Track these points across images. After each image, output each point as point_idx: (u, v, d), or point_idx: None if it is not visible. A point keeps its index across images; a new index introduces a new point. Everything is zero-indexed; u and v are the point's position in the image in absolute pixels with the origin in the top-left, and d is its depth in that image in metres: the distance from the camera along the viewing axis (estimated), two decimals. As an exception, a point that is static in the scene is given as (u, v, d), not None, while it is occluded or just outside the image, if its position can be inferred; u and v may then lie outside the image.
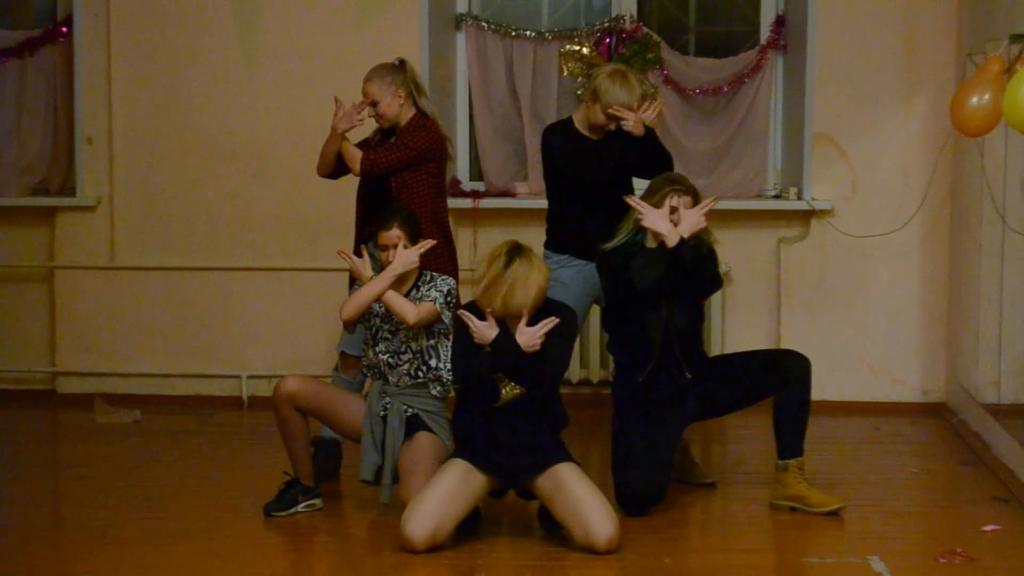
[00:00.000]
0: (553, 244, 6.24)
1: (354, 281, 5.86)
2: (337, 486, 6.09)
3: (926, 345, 7.56)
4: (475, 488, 5.33)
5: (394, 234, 5.62)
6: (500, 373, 5.31)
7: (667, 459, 5.79)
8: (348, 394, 5.82)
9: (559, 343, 5.38)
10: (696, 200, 5.73)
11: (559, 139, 6.15)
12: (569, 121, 6.19)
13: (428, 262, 5.78)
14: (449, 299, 5.63)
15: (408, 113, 6.14)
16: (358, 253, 5.78)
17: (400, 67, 6.17)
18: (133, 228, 7.79)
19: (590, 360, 7.61)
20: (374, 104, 6.10)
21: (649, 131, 6.05)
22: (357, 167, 6.07)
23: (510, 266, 5.28)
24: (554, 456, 5.35)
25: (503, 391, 5.34)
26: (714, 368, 5.88)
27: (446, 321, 5.60)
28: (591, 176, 6.08)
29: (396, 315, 5.56)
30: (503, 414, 5.34)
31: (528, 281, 5.27)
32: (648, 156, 6.08)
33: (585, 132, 6.12)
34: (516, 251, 5.32)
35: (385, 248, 5.63)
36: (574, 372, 7.57)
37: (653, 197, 5.71)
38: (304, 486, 5.75)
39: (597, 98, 5.99)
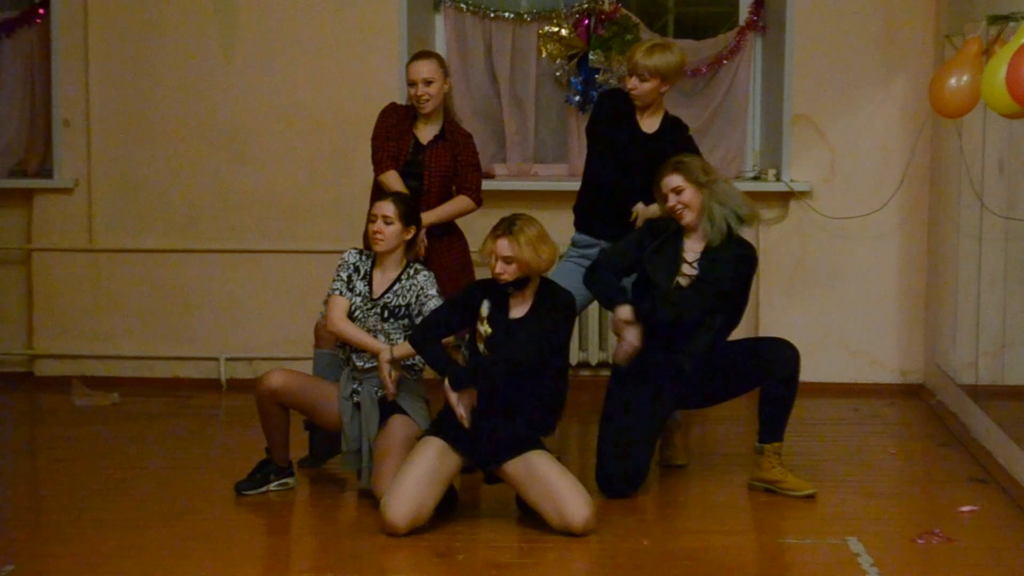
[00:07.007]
0: (578, 224, 6.17)
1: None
2: (317, 469, 6.08)
3: (904, 326, 7.58)
4: (451, 467, 5.33)
5: (388, 207, 5.62)
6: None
7: (652, 442, 5.80)
8: (331, 386, 5.78)
9: (552, 326, 5.35)
10: (691, 181, 5.64)
11: (607, 102, 6.07)
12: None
13: (452, 256, 6.13)
14: (432, 284, 5.67)
15: (440, 108, 6.16)
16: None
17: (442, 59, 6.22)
18: (111, 210, 7.76)
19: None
20: (428, 83, 6.07)
21: None
22: (473, 205, 6.23)
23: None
24: (528, 445, 5.34)
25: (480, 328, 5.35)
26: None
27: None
28: (603, 151, 6.00)
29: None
30: (492, 410, 5.31)
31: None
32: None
33: (640, 119, 6.01)
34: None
35: (375, 219, 5.62)
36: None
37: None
38: (277, 466, 5.76)
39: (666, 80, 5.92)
